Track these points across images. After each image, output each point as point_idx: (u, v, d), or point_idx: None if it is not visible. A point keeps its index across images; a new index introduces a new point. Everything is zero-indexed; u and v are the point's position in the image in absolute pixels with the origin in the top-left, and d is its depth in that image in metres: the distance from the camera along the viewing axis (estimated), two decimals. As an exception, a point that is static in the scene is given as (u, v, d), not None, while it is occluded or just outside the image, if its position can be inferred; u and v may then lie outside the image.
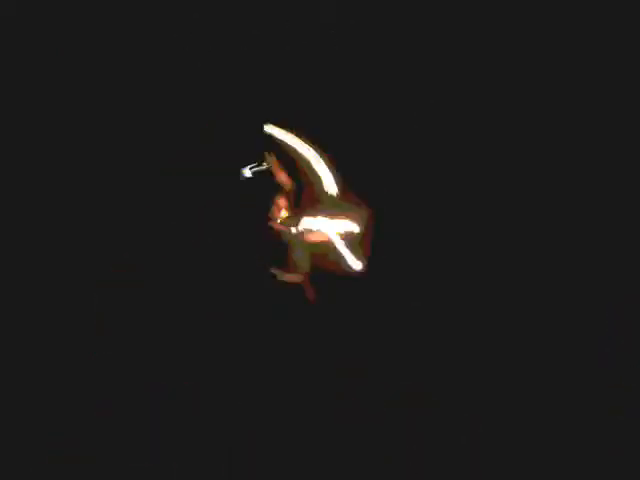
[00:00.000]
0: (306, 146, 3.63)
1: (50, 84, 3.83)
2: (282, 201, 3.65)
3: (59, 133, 3.81)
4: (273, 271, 3.67)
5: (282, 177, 3.64)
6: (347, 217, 3.61)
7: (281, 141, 3.65)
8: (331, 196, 3.62)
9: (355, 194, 3.62)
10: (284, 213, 3.66)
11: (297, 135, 3.64)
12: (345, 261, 3.60)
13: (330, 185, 3.62)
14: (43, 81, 3.83)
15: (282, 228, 3.64)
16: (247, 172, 3.60)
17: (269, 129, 3.66)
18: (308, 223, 3.63)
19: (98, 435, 3.63)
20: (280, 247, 3.68)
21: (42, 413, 3.65)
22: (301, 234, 3.64)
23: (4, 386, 3.66)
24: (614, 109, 3.82)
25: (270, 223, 3.66)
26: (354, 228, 3.60)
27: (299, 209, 3.65)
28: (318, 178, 3.63)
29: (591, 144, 3.81)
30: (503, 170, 3.80)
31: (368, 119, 3.85)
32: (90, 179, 3.80)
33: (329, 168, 3.62)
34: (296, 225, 3.63)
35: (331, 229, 3.62)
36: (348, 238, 3.61)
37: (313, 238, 3.64)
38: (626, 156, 3.80)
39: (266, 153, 3.64)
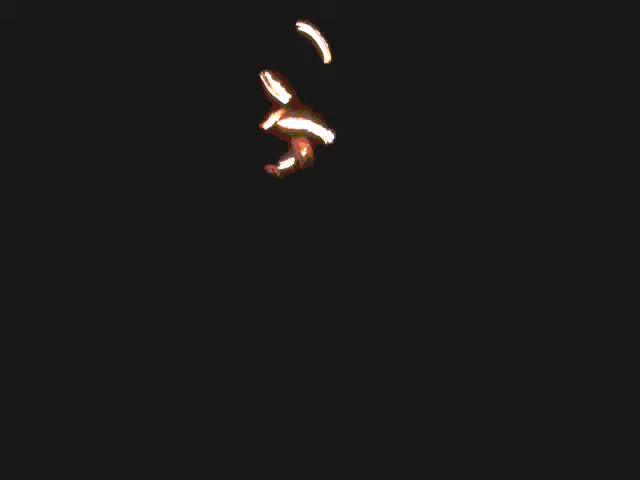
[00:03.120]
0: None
1: (50, 84, 3.85)
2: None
3: (59, 133, 3.83)
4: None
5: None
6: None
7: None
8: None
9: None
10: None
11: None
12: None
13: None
14: (43, 82, 3.85)
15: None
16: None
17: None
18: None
19: (98, 435, 3.65)
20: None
21: (42, 413, 3.67)
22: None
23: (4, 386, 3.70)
24: (614, 110, 3.82)
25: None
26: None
27: None
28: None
29: (588, 144, 3.82)
30: (503, 169, 3.81)
31: (368, 119, 3.86)
32: (89, 178, 3.82)
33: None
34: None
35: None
36: None
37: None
38: (626, 156, 3.80)
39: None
